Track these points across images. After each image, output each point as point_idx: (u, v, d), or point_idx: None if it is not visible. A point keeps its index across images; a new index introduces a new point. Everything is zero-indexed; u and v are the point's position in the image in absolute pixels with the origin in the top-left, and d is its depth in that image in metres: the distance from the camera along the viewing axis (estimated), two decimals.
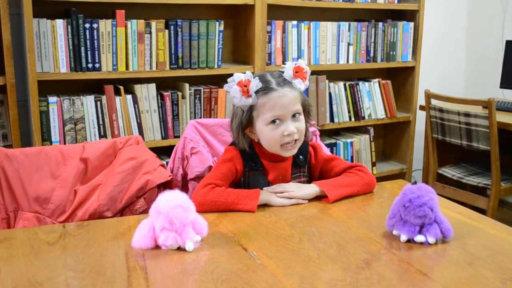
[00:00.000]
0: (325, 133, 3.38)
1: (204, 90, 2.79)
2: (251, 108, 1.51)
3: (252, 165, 1.57)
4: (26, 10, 2.28)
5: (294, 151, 1.54)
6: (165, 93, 2.70)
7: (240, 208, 1.43)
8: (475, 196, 3.01)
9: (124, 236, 1.27)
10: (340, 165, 1.62)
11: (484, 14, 3.89)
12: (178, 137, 2.70)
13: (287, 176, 1.59)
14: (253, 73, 1.52)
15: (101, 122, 2.56)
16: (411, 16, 3.41)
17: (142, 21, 2.59)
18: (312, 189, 1.52)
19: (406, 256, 1.18)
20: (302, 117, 1.54)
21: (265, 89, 1.49)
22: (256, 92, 1.49)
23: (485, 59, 3.91)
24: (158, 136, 2.70)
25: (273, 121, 1.49)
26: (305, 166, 1.63)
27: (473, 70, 4.01)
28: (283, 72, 1.54)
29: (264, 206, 1.47)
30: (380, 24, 3.30)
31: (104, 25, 2.50)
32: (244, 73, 1.50)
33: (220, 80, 2.89)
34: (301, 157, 1.61)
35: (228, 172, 1.53)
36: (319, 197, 1.52)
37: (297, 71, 1.53)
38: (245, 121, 1.53)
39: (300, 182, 1.61)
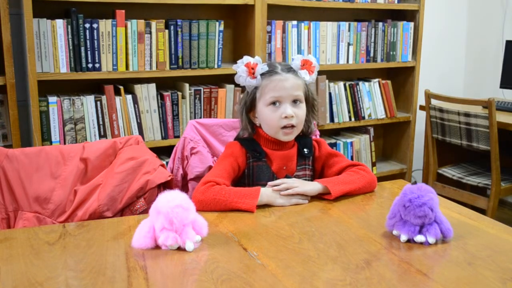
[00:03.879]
0: (325, 133, 3.38)
1: (204, 90, 2.79)
2: (255, 90, 1.59)
3: (256, 155, 1.59)
4: (26, 10, 2.28)
5: (291, 136, 1.59)
6: (165, 93, 2.70)
7: (239, 207, 1.43)
8: (475, 196, 3.00)
9: (124, 236, 1.27)
10: (342, 162, 1.64)
11: (484, 14, 3.89)
12: (178, 137, 2.70)
13: (291, 166, 1.61)
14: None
15: (101, 122, 2.56)
16: (411, 16, 3.41)
17: (142, 21, 2.59)
18: (315, 185, 1.53)
19: (406, 256, 1.18)
20: (303, 105, 1.59)
21: (270, 72, 1.58)
22: (262, 74, 1.58)
23: (485, 59, 3.91)
24: (158, 136, 2.70)
25: (274, 103, 1.56)
26: (309, 158, 1.65)
27: (473, 70, 4.01)
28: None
29: (264, 205, 1.47)
30: (380, 24, 3.30)
31: (104, 25, 2.50)
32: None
33: (220, 80, 2.89)
34: (306, 149, 1.64)
35: (229, 168, 1.55)
36: (321, 195, 1.52)
37: (305, 64, 1.61)
38: (248, 102, 1.60)
39: (305, 174, 1.63)
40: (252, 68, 1.56)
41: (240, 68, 1.58)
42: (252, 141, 1.61)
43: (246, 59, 1.58)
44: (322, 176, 1.65)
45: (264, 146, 1.61)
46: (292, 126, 1.56)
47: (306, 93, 1.61)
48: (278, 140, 1.60)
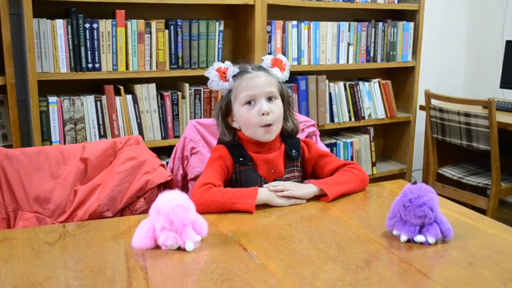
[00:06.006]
0: (325, 133, 3.38)
1: (204, 90, 2.79)
2: (229, 94, 1.59)
3: (241, 160, 1.57)
4: (26, 10, 2.28)
5: (272, 135, 1.57)
6: (165, 93, 2.70)
7: (238, 208, 1.42)
8: (475, 196, 3.01)
9: (124, 236, 1.27)
10: (334, 162, 1.63)
11: (484, 14, 3.89)
12: (178, 137, 2.70)
13: (279, 169, 1.60)
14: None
15: (101, 122, 2.56)
16: (411, 16, 3.41)
17: (142, 21, 2.59)
18: (311, 188, 1.52)
19: (406, 256, 1.18)
20: (278, 101, 1.58)
21: (241, 72, 1.59)
22: (234, 76, 1.58)
23: (485, 59, 3.91)
24: (158, 136, 2.70)
25: (249, 103, 1.55)
26: (298, 160, 1.64)
27: (473, 70, 4.01)
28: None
29: (264, 206, 1.47)
30: (380, 24, 3.30)
31: (104, 25, 2.50)
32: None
33: None
34: (294, 151, 1.63)
35: (220, 170, 1.54)
36: (318, 197, 1.52)
37: (275, 62, 1.61)
38: (224, 106, 1.60)
39: (294, 176, 1.62)
40: (224, 72, 1.57)
41: (211, 73, 1.58)
42: (237, 146, 1.60)
43: (217, 64, 1.58)
44: (314, 177, 1.65)
45: (248, 150, 1.59)
46: (270, 125, 1.54)
47: (280, 90, 1.60)
48: (260, 142, 1.58)
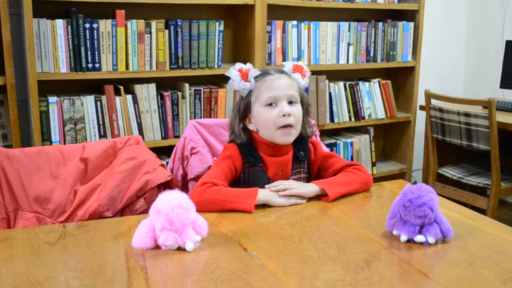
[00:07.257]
0: (325, 133, 3.38)
1: (204, 90, 2.79)
2: (249, 94, 1.59)
3: (251, 160, 1.57)
4: (26, 10, 2.28)
5: (291, 138, 1.56)
6: (165, 93, 2.70)
7: (237, 207, 1.42)
8: (475, 196, 3.00)
9: (124, 236, 1.27)
10: (338, 163, 1.63)
11: (484, 14, 3.89)
12: (178, 137, 2.70)
13: (287, 171, 1.60)
14: None
15: (101, 122, 2.56)
16: (411, 16, 3.41)
17: (142, 21, 2.59)
18: (313, 187, 1.52)
19: (406, 256, 1.18)
20: (299, 106, 1.58)
21: (263, 74, 1.59)
22: (255, 78, 1.58)
23: (485, 59, 3.91)
24: (158, 136, 2.70)
25: (270, 104, 1.55)
26: (305, 162, 1.64)
27: (473, 70, 4.01)
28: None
29: (264, 205, 1.47)
30: (380, 24, 3.30)
31: (104, 25, 2.50)
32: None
33: (220, 80, 2.89)
34: (301, 152, 1.63)
35: (227, 170, 1.54)
36: (319, 196, 1.52)
37: (296, 68, 1.62)
38: (243, 107, 1.59)
39: (300, 178, 1.62)
40: (245, 73, 1.57)
41: (232, 73, 1.58)
42: (249, 146, 1.59)
43: (238, 65, 1.58)
44: (319, 177, 1.65)
45: (260, 151, 1.59)
46: (290, 126, 1.54)
47: (301, 95, 1.60)
48: (275, 145, 1.57)
